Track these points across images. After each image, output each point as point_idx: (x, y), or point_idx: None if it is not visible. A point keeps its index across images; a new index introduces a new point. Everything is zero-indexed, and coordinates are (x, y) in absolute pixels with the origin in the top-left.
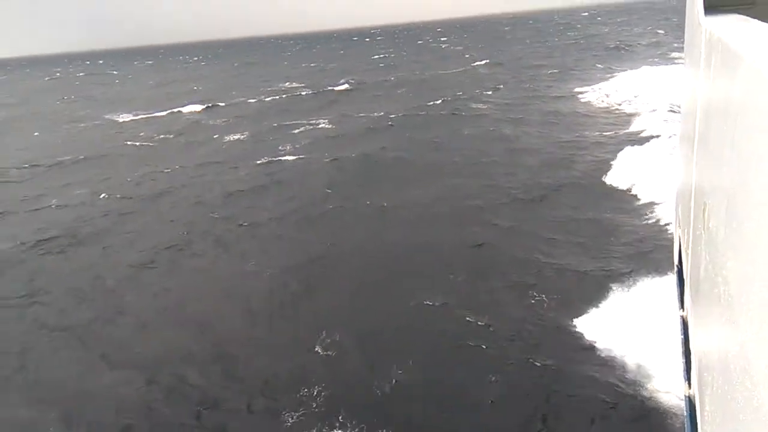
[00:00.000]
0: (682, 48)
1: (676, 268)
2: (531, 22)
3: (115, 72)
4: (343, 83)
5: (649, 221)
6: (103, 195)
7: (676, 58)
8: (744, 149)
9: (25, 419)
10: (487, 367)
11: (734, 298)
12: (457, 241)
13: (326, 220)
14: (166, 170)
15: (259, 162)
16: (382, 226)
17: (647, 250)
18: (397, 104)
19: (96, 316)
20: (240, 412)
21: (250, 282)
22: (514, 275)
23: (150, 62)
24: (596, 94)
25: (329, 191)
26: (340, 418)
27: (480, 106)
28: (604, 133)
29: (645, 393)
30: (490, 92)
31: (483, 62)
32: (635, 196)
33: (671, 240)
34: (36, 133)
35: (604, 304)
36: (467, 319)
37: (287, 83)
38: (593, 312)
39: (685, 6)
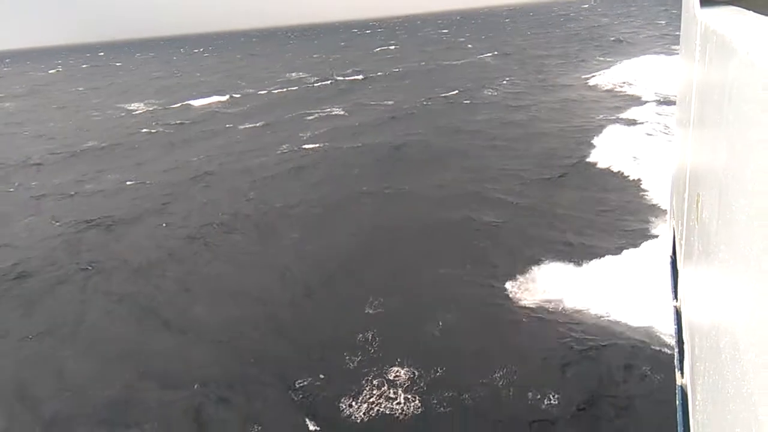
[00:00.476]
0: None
1: (670, 259)
2: (531, 14)
3: (118, 64)
4: (351, 74)
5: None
6: (133, 181)
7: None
8: (737, 141)
9: (94, 374)
10: (507, 318)
11: (725, 288)
12: (477, 219)
13: (355, 202)
14: (191, 157)
15: (281, 150)
16: (409, 205)
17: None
18: (407, 93)
19: (154, 287)
20: (299, 367)
21: (292, 257)
22: (529, 247)
23: (152, 54)
24: (602, 79)
25: (355, 175)
26: (396, 360)
27: (490, 93)
28: (609, 117)
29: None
30: (498, 81)
31: (487, 53)
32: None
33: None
34: (51, 123)
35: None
36: (490, 283)
37: (294, 74)
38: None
39: None
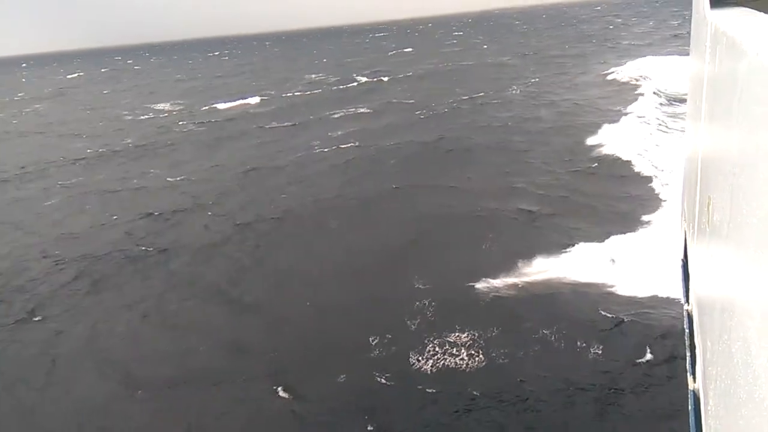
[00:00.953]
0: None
1: (681, 262)
2: (544, 16)
3: (136, 67)
4: (371, 75)
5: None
6: (176, 178)
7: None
8: (747, 143)
9: (164, 342)
10: (543, 291)
11: (737, 292)
12: (509, 207)
13: (393, 194)
14: (228, 156)
15: (315, 148)
16: (444, 196)
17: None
18: (430, 93)
19: (214, 269)
20: (366, 330)
21: (340, 243)
22: (558, 232)
23: (167, 58)
24: (617, 76)
25: (390, 171)
26: (451, 324)
27: (512, 92)
28: (625, 112)
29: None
30: (518, 81)
31: (505, 55)
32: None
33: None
34: (84, 124)
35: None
36: (524, 261)
37: (314, 75)
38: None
39: None
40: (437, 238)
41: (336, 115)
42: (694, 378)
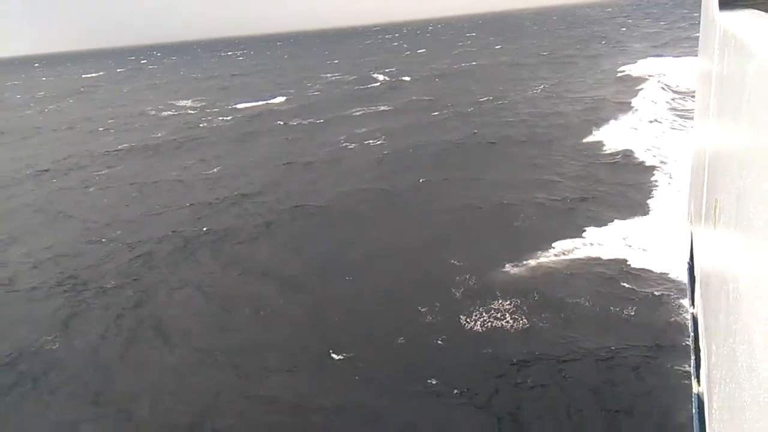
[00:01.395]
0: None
1: (687, 265)
2: (554, 17)
3: (151, 67)
4: (388, 75)
5: None
6: (213, 170)
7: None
8: (756, 146)
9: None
10: (570, 266)
11: (742, 296)
12: (536, 198)
13: (422, 187)
14: (260, 151)
15: (342, 143)
16: (471, 189)
17: None
18: (449, 92)
19: (269, 253)
20: (415, 299)
21: (382, 231)
22: (578, 217)
23: (181, 58)
24: (632, 74)
25: (417, 165)
26: (493, 293)
27: (532, 92)
28: (638, 109)
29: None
30: (536, 80)
31: (519, 55)
32: None
33: None
34: (111, 120)
35: None
36: (546, 244)
37: (330, 74)
38: None
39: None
40: (468, 223)
41: (358, 113)
42: (699, 381)
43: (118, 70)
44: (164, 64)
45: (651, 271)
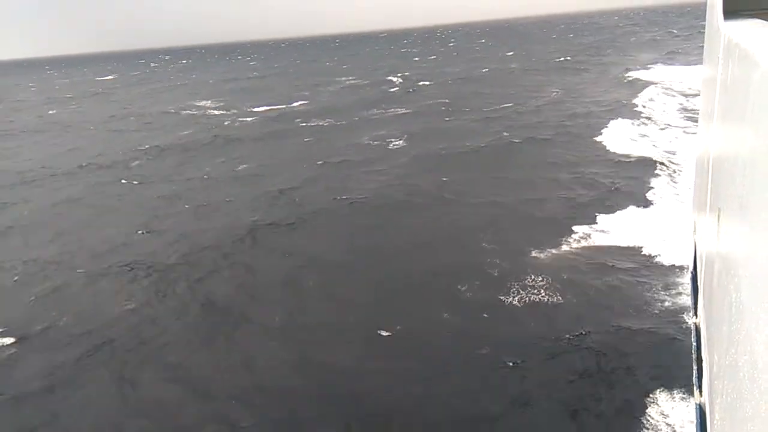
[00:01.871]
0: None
1: (690, 275)
2: (562, 25)
3: (166, 69)
4: (402, 79)
5: None
6: (248, 167)
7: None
8: (760, 156)
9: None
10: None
11: (745, 306)
12: (555, 193)
13: (454, 184)
14: (285, 151)
15: (369, 146)
16: (499, 186)
17: None
18: (465, 96)
19: (318, 242)
20: (459, 277)
21: (416, 223)
22: (595, 208)
23: (191, 61)
24: (647, 79)
25: (446, 164)
26: (525, 270)
27: (546, 97)
28: (648, 113)
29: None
30: (551, 86)
31: (529, 61)
32: None
33: None
34: (132, 118)
35: None
36: (566, 227)
37: (344, 78)
38: None
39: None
40: (494, 215)
41: (377, 116)
42: (701, 392)
43: (131, 74)
44: (175, 68)
45: (659, 255)
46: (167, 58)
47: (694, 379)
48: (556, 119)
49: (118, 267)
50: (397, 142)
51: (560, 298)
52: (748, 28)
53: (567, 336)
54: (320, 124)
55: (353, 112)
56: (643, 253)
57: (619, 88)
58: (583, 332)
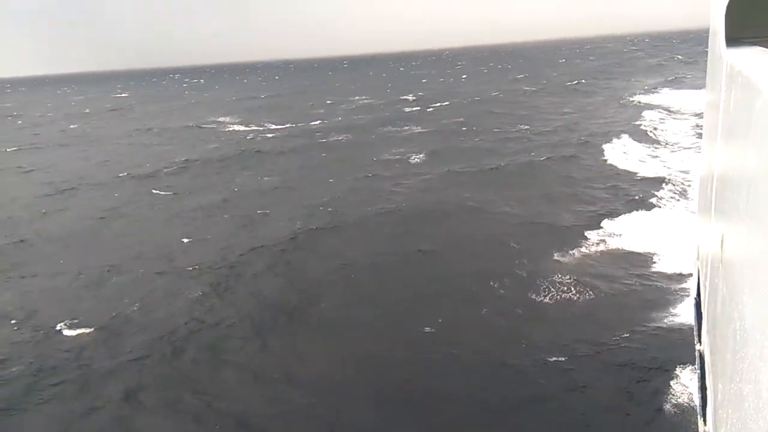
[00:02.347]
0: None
1: (694, 301)
2: (565, 50)
3: (181, 86)
4: (416, 100)
5: None
6: (281, 179)
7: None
8: (761, 183)
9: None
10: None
11: (749, 334)
12: (572, 206)
13: (483, 197)
14: (311, 166)
15: (392, 162)
16: (519, 198)
17: None
18: (479, 115)
19: (367, 243)
20: (494, 276)
21: (444, 229)
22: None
23: (208, 81)
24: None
25: (469, 181)
26: (550, 270)
27: (557, 118)
28: (655, 132)
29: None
30: (560, 107)
31: (538, 83)
32: None
33: None
34: (155, 130)
35: None
36: (582, 231)
37: (357, 97)
38: None
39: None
40: (516, 223)
41: (396, 134)
42: (705, 420)
43: (144, 92)
44: (188, 86)
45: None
46: (177, 77)
47: (698, 408)
48: (570, 139)
49: (171, 271)
50: (417, 159)
51: (583, 296)
52: (750, 56)
53: (585, 338)
54: (339, 139)
55: (371, 129)
56: (653, 254)
57: (628, 110)
58: (597, 334)
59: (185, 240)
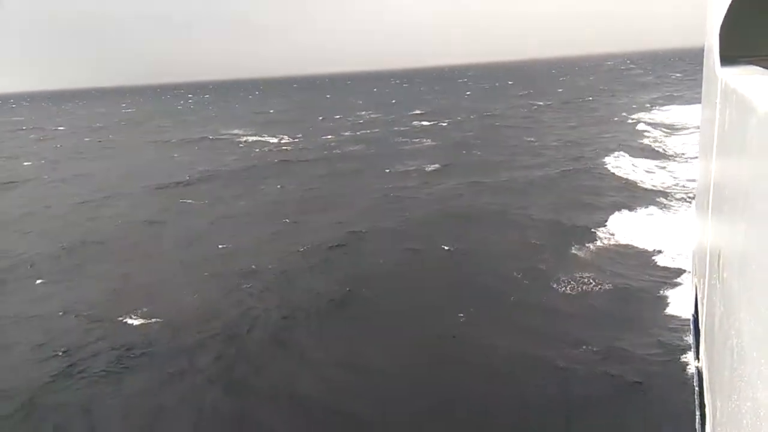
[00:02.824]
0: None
1: (692, 318)
2: (564, 67)
3: (188, 101)
4: (422, 115)
5: None
6: (291, 186)
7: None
8: (758, 202)
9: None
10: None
11: (746, 351)
12: (581, 214)
13: (504, 208)
14: (333, 177)
15: (407, 169)
16: (530, 205)
17: None
18: (485, 128)
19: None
20: (514, 267)
21: (469, 233)
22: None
23: (213, 96)
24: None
25: (484, 191)
26: (569, 264)
27: (560, 134)
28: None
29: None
30: (563, 122)
31: (542, 99)
32: None
33: None
34: (176, 143)
35: None
36: (594, 229)
37: (364, 113)
38: None
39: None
40: (536, 222)
41: (408, 146)
42: None
43: (151, 107)
44: (195, 101)
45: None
46: (181, 92)
47: (697, 426)
48: (578, 152)
49: (220, 272)
50: (432, 168)
51: (609, 285)
52: (745, 74)
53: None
54: (353, 149)
55: (383, 142)
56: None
57: (631, 125)
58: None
59: (222, 245)
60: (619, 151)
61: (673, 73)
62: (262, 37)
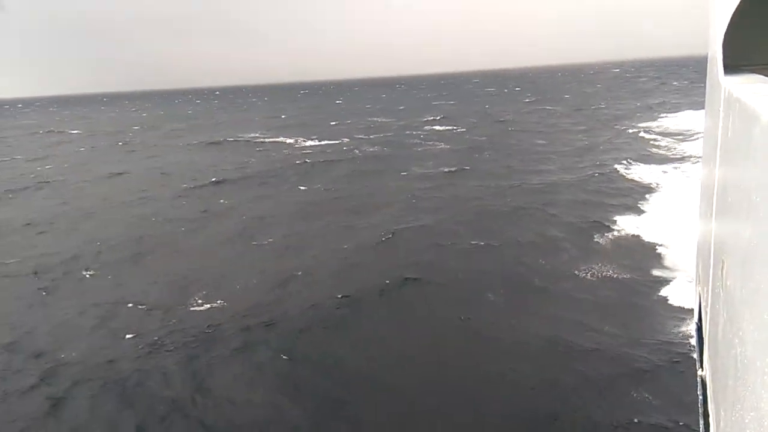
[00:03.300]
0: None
1: (696, 326)
2: (566, 74)
3: (197, 106)
4: (434, 119)
5: None
6: (317, 186)
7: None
8: (762, 209)
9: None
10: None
11: (750, 360)
12: (595, 214)
13: (524, 211)
14: (351, 181)
15: (428, 174)
16: (548, 204)
17: None
18: (498, 137)
19: (433, 246)
20: (533, 261)
21: (494, 230)
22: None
23: (222, 102)
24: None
25: (501, 191)
26: (588, 253)
27: (572, 140)
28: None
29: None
30: (574, 127)
31: (546, 103)
32: None
33: None
34: (194, 144)
35: None
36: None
37: (375, 118)
38: None
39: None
40: (560, 218)
41: (423, 150)
42: None
43: (161, 112)
44: (203, 107)
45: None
46: (189, 97)
47: None
48: (593, 158)
49: (281, 265)
50: (449, 170)
51: (627, 273)
52: (748, 83)
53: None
54: (371, 150)
55: (398, 145)
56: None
57: (639, 131)
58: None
59: (268, 240)
60: (630, 156)
61: (679, 81)
62: (266, 45)
